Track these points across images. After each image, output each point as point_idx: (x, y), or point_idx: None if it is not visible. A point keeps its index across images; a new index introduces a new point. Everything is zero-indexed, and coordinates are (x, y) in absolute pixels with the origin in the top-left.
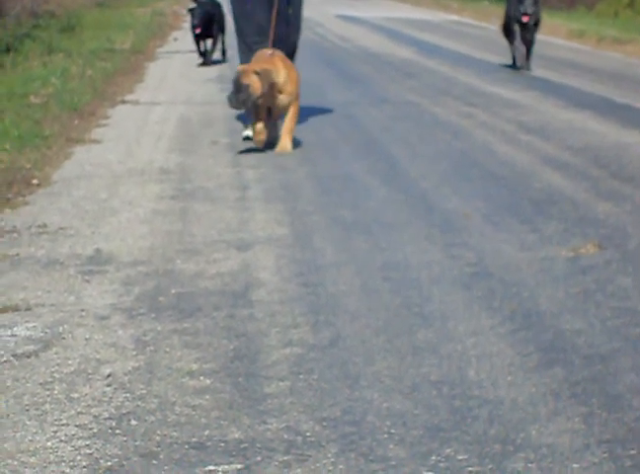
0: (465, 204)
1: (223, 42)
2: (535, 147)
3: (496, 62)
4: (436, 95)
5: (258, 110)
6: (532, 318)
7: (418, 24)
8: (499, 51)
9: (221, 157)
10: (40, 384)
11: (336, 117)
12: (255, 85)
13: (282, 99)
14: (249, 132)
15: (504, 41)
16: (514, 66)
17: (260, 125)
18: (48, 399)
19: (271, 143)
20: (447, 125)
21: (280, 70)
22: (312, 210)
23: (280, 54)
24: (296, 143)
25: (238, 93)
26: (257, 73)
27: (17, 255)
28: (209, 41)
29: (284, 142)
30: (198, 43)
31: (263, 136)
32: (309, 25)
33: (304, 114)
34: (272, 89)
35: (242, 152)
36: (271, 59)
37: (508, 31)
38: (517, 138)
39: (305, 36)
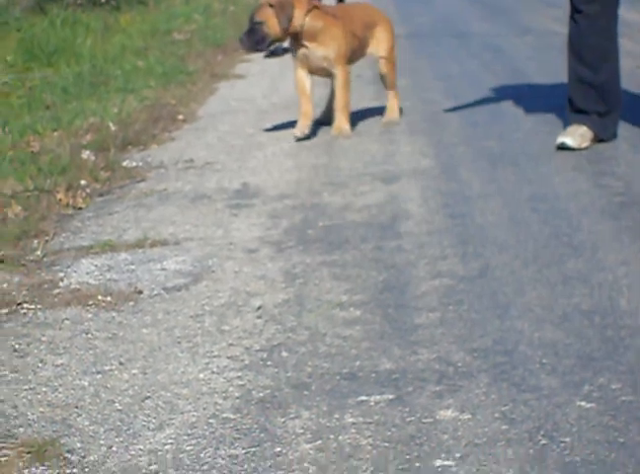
0: None
1: None
2: None
3: None
4: None
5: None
6: None
7: None
8: None
9: (365, 90)
10: (191, 317)
11: (478, 48)
12: (270, 22)
13: (315, 53)
14: (565, 139)
15: None
16: None
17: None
18: (200, 331)
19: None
20: None
21: (317, 16)
22: (457, 142)
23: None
24: (440, 76)
25: (251, 32)
26: (271, 5)
27: (165, 190)
28: None
29: (339, 122)
30: None
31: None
32: None
33: (446, 47)
34: (297, 35)
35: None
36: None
37: None
38: None
39: None
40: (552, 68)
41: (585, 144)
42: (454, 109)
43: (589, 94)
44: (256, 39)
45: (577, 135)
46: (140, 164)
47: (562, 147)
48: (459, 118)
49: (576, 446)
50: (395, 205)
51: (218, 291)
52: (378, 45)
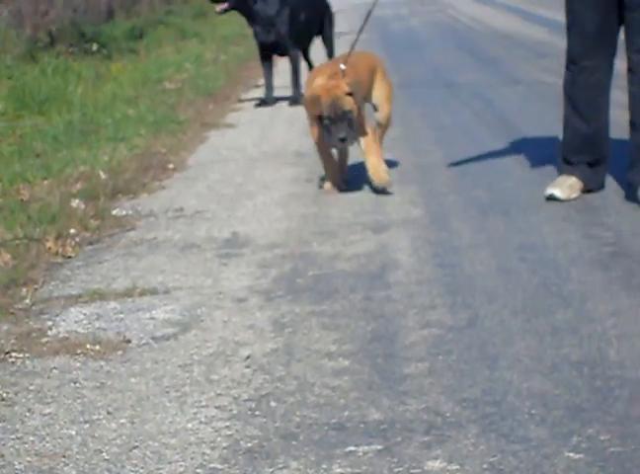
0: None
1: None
2: None
3: None
4: None
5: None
6: None
7: (551, 3)
8: None
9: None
10: (180, 366)
11: (469, 97)
12: (354, 108)
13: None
14: (554, 191)
15: None
16: None
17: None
18: (188, 381)
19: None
20: None
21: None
22: (447, 191)
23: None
24: (432, 126)
25: (345, 124)
26: (350, 94)
27: (154, 238)
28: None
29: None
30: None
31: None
32: (440, 7)
33: (437, 96)
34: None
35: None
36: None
37: None
38: None
39: (436, 17)
40: (542, 119)
41: (574, 195)
42: (457, 163)
43: (580, 144)
44: (355, 130)
45: (565, 187)
46: (130, 213)
47: (551, 198)
48: (449, 168)
49: None
50: (385, 255)
51: (207, 341)
52: (378, 93)
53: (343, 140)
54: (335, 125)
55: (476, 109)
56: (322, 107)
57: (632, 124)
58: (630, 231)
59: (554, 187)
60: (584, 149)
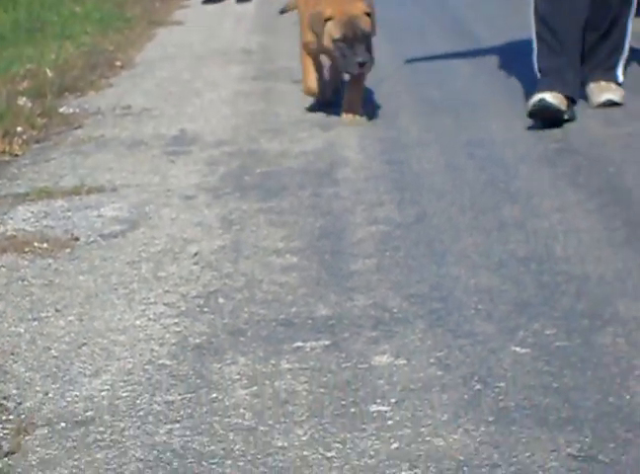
0: None
1: None
2: None
3: None
4: None
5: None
6: (619, 194)
7: None
8: None
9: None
10: (128, 264)
11: None
12: (372, 29)
13: None
14: (545, 95)
15: None
16: None
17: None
18: (136, 278)
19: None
20: None
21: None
22: (398, 90)
23: None
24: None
25: (364, 47)
26: (369, 14)
27: (102, 136)
28: None
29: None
30: None
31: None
32: None
33: None
34: None
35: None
36: None
37: None
38: None
39: None
40: (494, 16)
41: (563, 107)
42: (407, 61)
43: (556, 50)
44: (371, 52)
45: (555, 95)
46: (77, 110)
47: (541, 105)
48: (399, 66)
49: (510, 392)
50: (333, 152)
51: (155, 238)
52: None
53: (362, 65)
54: (352, 49)
55: (426, 5)
56: (334, 27)
57: (587, 24)
58: (577, 128)
59: (543, 92)
60: (562, 55)
